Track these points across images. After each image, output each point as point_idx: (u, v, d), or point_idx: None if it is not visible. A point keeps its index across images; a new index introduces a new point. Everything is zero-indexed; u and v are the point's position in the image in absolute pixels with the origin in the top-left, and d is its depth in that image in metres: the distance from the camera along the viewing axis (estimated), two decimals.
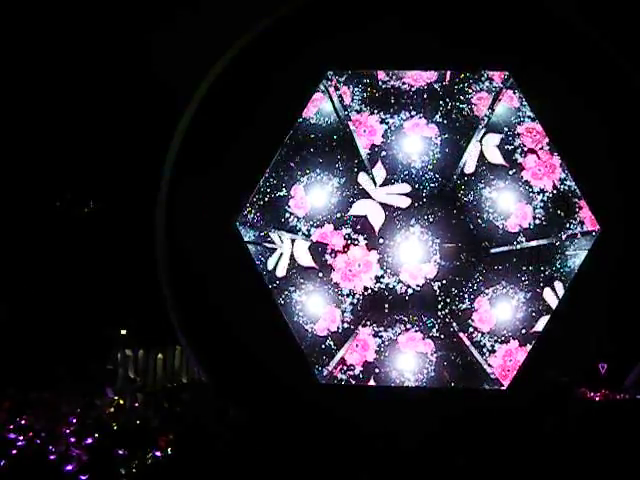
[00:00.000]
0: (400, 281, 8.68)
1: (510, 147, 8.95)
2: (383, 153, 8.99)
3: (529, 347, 8.60)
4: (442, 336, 9.09)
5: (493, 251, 8.75)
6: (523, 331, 8.85)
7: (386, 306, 8.68)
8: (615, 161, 8.51)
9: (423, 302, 9.03)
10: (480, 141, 9.02)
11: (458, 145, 9.09)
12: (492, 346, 8.84)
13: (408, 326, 9.00)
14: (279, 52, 8.89)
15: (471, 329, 8.91)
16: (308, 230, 8.91)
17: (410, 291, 8.66)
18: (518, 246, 8.97)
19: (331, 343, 9.06)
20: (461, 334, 9.05)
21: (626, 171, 8.52)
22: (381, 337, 8.92)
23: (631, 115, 8.54)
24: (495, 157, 8.82)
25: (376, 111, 8.98)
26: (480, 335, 8.92)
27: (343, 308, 8.92)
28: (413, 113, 9.06)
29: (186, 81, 8.98)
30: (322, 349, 9.02)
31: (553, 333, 8.67)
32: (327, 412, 8.40)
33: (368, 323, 8.73)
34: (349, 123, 9.17)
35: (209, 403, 8.35)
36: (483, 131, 9.03)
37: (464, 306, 8.93)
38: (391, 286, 8.61)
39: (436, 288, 8.97)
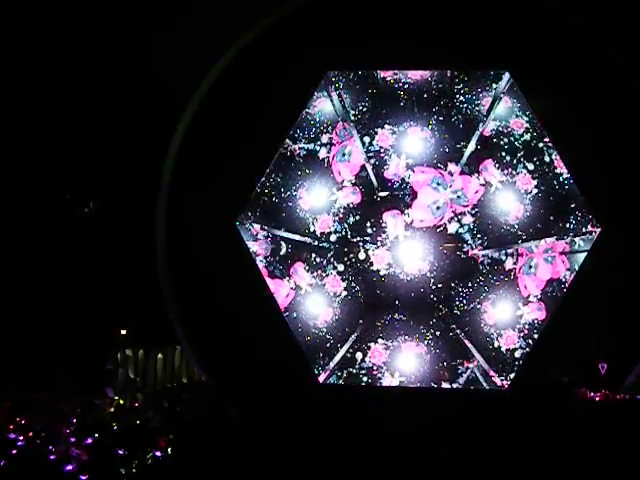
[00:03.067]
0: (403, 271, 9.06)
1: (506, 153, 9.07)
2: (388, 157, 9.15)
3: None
4: (444, 339, 9.16)
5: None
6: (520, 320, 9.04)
7: (397, 302, 9.13)
8: (615, 161, 8.51)
9: (424, 305, 9.25)
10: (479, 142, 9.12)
11: (459, 146, 9.17)
12: (498, 333, 9.07)
13: (407, 335, 9.21)
14: (279, 52, 8.89)
15: (482, 324, 9.14)
16: (314, 218, 9.18)
17: (409, 279, 8.98)
18: (522, 245, 9.02)
19: (330, 339, 9.23)
20: (463, 336, 9.11)
21: (626, 171, 8.52)
22: (388, 347, 9.19)
23: (631, 115, 8.54)
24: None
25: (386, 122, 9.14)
26: (488, 327, 9.14)
27: (334, 306, 9.31)
28: (415, 118, 9.18)
29: (186, 81, 8.99)
30: (323, 344, 9.21)
31: (553, 333, 8.68)
32: (327, 412, 8.40)
33: (380, 337, 9.19)
34: (349, 123, 9.23)
35: (209, 403, 8.35)
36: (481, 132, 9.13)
37: (470, 308, 9.13)
38: (398, 272, 9.01)
39: (437, 289, 9.14)
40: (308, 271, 9.31)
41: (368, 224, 9.04)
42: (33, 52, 9.52)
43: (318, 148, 9.16)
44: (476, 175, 8.57)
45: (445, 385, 9.05)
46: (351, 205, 9.16)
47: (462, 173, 8.74)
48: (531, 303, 8.93)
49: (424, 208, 8.05)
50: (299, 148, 9.06)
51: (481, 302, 9.20)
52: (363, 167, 8.99)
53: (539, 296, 8.84)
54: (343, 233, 9.24)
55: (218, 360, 9.03)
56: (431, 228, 8.60)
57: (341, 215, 9.16)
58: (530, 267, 8.34)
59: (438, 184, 8.14)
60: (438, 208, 7.90)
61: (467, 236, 8.31)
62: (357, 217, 9.12)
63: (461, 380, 9.13)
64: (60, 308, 9.55)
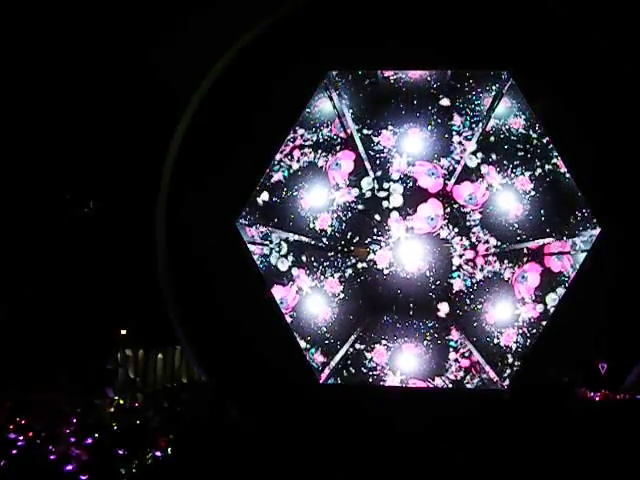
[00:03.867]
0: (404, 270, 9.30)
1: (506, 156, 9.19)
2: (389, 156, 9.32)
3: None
4: (446, 339, 9.18)
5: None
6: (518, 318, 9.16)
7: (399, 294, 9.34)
8: (615, 161, 8.51)
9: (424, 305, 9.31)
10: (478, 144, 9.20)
11: (456, 144, 9.23)
12: (499, 331, 9.17)
13: (407, 336, 9.30)
14: (279, 52, 8.89)
15: (483, 323, 9.23)
16: (314, 217, 9.33)
17: (409, 277, 9.23)
18: (522, 245, 9.05)
19: (331, 338, 9.28)
20: (463, 337, 9.13)
21: (626, 171, 8.52)
22: (389, 348, 9.29)
23: (632, 115, 8.54)
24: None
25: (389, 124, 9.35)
26: (490, 326, 9.22)
27: (332, 305, 9.39)
28: (415, 119, 9.30)
29: (186, 81, 8.99)
30: (323, 344, 9.26)
31: (553, 333, 8.69)
32: (327, 411, 8.41)
33: (381, 338, 9.36)
34: (349, 123, 9.25)
35: (209, 403, 8.35)
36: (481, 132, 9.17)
37: (472, 309, 9.23)
38: (399, 271, 9.29)
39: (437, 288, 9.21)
40: (309, 275, 9.35)
41: (375, 230, 9.30)
42: (33, 52, 9.52)
43: (317, 161, 9.38)
44: (480, 180, 9.08)
45: (440, 384, 9.08)
46: (347, 203, 9.30)
47: (472, 181, 9.16)
48: (527, 304, 9.08)
49: (421, 220, 8.92)
50: (304, 161, 9.36)
51: (482, 303, 9.23)
52: (350, 173, 9.32)
53: (533, 298, 9.07)
54: (342, 230, 9.31)
55: (218, 360, 9.02)
56: (427, 234, 9.09)
57: (339, 212, 9.30)
58: (523, 277, 9.05)
59: (432, 174, 8.97)
60: (432, 219, 8.86)
61: (453, 241, 9.09)
62: (357, 216, 9.31)
63: (460, 379, 9.15)
64: (60, 308, 9.55)
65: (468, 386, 9.11)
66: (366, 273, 9.35)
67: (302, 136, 9.38)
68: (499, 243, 9.06)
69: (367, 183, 9.27)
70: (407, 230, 9.15)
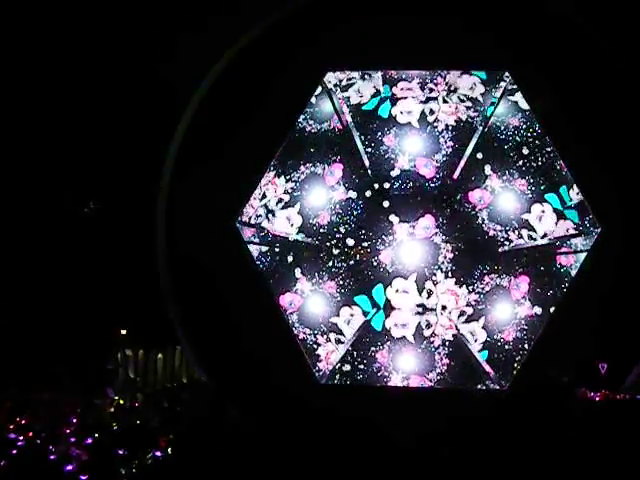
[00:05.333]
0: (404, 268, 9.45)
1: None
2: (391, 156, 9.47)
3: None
4: (447, 340, 9.20)
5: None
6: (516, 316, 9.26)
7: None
8: (615, 160, 8.52)
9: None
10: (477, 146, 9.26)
11: (459, 147, 9.27)
12: (500, 330, 9.24)
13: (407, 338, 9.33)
14: (278, 52, 8.91)
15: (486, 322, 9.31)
16: (315, 215, 9.44)
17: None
18: (524, 245, 9.09)
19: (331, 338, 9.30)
20: (464, 339, 9.14)
21: (626, 170, 8.52)
22: (391, 349, 9.32)
23: (631, 114, 8.55)
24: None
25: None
26: (490, 325, 9.28)
27: (332, 305, 9.38)
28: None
29: (186, 81, 8.99)
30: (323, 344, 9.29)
31: (553, 333, 8.69)
32: (327, 412, 8.40)
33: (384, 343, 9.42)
34: (349, 123, 9.26)
35: (209, 403, 8.35)
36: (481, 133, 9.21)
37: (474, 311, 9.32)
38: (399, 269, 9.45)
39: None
40: (309, 280, 9.37)
41: (380, 232, 9.44)
42: (34, 53, 9.52)
43: (316, 170, 9.46)
44: (484, 185, 9.31)
45: (435, 383, 9.13)
46: (343, 201, 9.39)
47: (479, 187, 9.37)
48: (522, 305, 9.17)
49: (420, 228, 9.36)
50: (306, 173, 9.51)
51: (485, 305, 9.27)
52: (342, 177, 9.50)
53: (527, 298, 9.20)
54: (343, 228, 9.36)
55: (218, 360, 9.03)
56: (423, 239, 9.35)
57: (338, 210, 9.39)
58: (517, 285, 9.37)
59: (426, 166, 9.44)
60: (427, 228, 9.38)
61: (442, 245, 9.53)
62: (359, 215, 9.47)
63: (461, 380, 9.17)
64: (61, 308, 9.55)
65: (468, 386, 9.13)
66: (371, 271, 9.41)
67: (310, 125, 9.46)
68: (504, 229, 9.26)
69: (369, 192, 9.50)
70: (408, 234, 9.32)
